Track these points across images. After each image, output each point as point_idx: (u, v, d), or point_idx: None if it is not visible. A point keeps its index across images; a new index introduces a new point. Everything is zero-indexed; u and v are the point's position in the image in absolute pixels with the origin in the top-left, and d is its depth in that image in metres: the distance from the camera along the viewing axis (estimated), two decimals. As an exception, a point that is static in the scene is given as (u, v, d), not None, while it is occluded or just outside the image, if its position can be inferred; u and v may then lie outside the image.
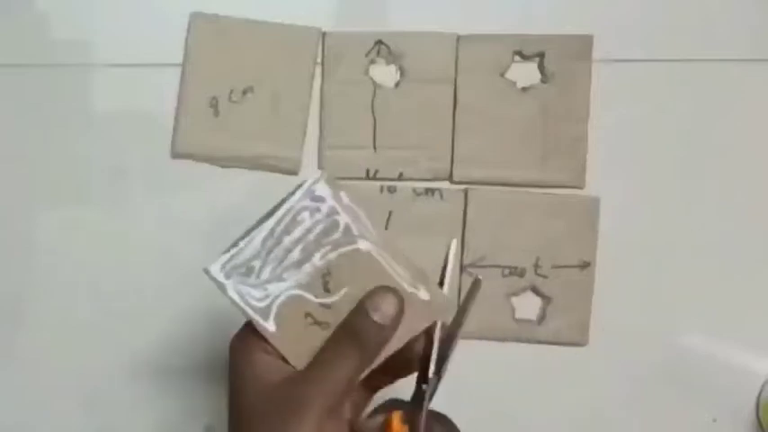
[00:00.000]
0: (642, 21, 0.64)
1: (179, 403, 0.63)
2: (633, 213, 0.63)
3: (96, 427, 0.63)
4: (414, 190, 0.64)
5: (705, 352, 0.62)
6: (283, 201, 0.49)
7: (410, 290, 0.48)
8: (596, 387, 0.63)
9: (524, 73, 0.64)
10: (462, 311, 0.49)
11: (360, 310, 0.46)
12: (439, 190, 0.64)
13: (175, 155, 0.64)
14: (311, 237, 0.49)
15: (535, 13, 0.64)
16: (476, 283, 0.49)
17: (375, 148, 0.64)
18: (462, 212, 0.64)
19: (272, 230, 0.49)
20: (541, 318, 0.64)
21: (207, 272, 0.48)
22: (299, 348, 0.47)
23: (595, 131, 0.63)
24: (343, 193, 0.49)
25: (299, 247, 0.48)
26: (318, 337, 0.47)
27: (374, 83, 0.64)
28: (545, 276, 0.63)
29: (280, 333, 0.47)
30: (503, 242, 0.63)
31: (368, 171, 0.64)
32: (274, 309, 0.48)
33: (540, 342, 0.64)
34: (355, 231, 0.49)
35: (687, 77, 0.64)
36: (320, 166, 0.64)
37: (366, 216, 0.49)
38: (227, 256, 0.48)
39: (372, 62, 0.64)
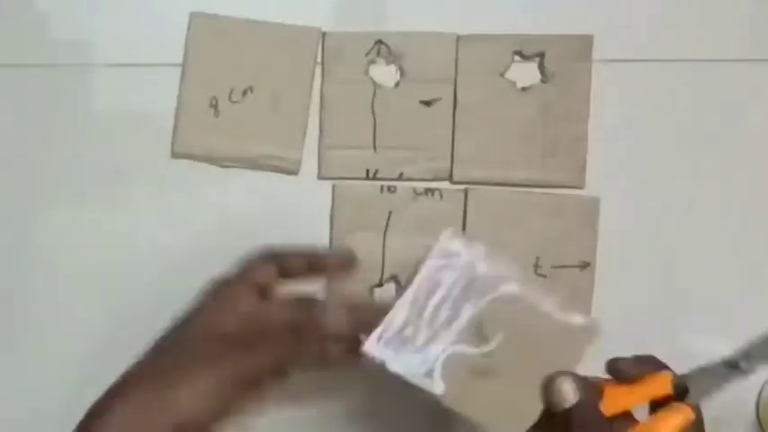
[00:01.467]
0: (642, 21, 0.64)
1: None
2: (633, 213, 0.63)
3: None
4: (414, 190, 0.63)
5: (705, 351, 0.62)
6: (419, 265, 0.50)
7: (564, 318, 0.50)
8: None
9: (524, 73, 0.64)
10: None
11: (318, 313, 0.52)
12: (439, 190, 0.63)
13: (175, 155, 0.64)
14: (455, 293, 0.50)
15: (535, 14, 0.64)
16: None
17: (375, 148, 0.64)
18: (462, 212, 0.64)
19: (416, 297, 0.50)
20: None
21: (364, 352, 0.49)
22: (469, 402, 0.49)
23: (595, 131, 0.63)
24: (477, 244, 0.51)
25: (447, 305, 0.50)
26: (486, 386, 0.49)
27: (374, 83, 0.64)
28: (544, 276, 0.63)
29: (448, 392, 0.49)
30: (503, 242, 0.63)
31: (368, 171, 0.64)
32: (437, 369, 0.49)
33: None
34: (496, 277, 0.50)
35: (686, 77, 0.64)
36: (320, 166, 0.64)
37: (502, 258, 0.50)
38: (379, 331, 0.49)
39: (372, 62, 0.64)
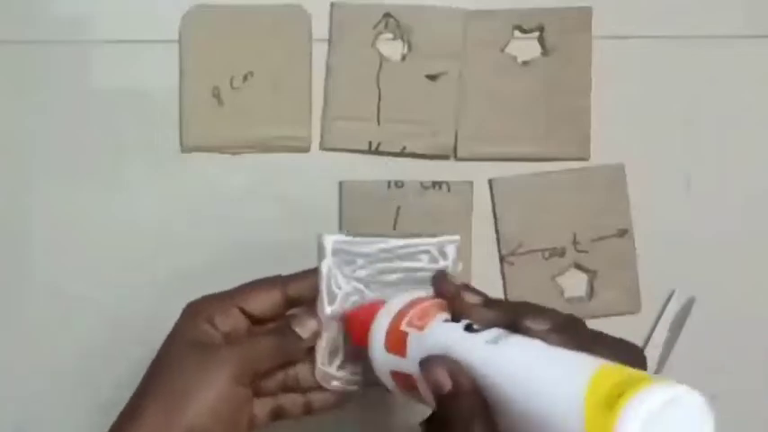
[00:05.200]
0: (641, -2, 0.65)
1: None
2: (631, 189, 0.64)
3: (95, 405, 0.62)
4: (421, 184, 0.63)
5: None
6: (418, 235, 0.51)
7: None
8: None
9: (525, 47, 0.64)
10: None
11: (291, 320, 0.50)
12: (446, 183, 0.63)
13: (185, 148, 0.63)
14: (415, 275, 0.51)
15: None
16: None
17: (379, 121, 0.63)
18: (469, 204, 0.64)
19: (393, 249, 0.51)
20: (590, 293, 0.64)
21: (320, 237, 0.50)
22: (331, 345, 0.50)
23: (598, 107, 0.64)
24: (460, 265, 0.52)
25: (399, 276, 0.51)
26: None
27: (380, 56, 0.63)
28: (586, 251, 0.63)
29: (330, 323, 0.50)
30: (536, 226, 0.63)
31: (370, 144, 0.63)
32: (339, 301, 0.50)
33: (594, 317, 0.62)
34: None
35: (683, 54, 0.65)
36: (323, 137, 0.63)
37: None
38: (345, 238, 0.50)
39: (380, 35, 0.63)
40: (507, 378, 0.41)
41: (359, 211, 0.63)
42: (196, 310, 0.51)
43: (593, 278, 0.64)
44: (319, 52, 0.63)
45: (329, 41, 0.63)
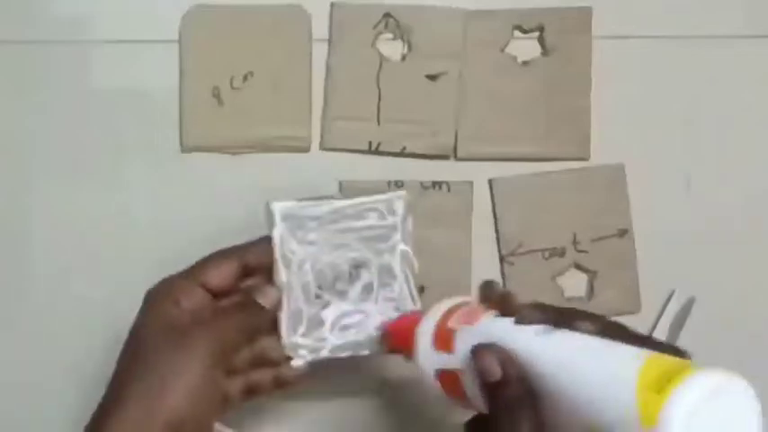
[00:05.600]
0: (641, -1, 0.65)
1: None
2: (630, 189, 0.64)
3: (96, 403, 0.62)
4: (421, 184, 0.63)
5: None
6: (363, 195, 0.54)
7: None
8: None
9: (525, 47, 0.64)
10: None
11: (252, 290, 0.53)
12: (446, 183, 0.63)
13: (185, 149, 0.63)
14: (365, 234, 0.54)
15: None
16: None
17: (379, 121, 0.63)
18: (469, 203, 0.64)
19: (340, 210, 0.53)
20: (590, 293, 0.64)
21: (268, 205, 0.53)
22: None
23: (598, 107, 0.64)
24: (410, 220, 0.55)
25: (351, 236, 0.53)
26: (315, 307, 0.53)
27: (381, 55, 0.63)
28: (586, 251, 0.63)
29: (289, 289, 0.52)
30: (536, 226, 0.63)
31: (370, 144, 0.63)
32: (294, 266, 0.52)
33: None
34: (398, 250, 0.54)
35: (683, 54, 0.65)
36: (323, 137, 0.63)
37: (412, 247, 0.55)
38: (293, 204, 0.53)
39: (380, 35, 0.63)
40: (557, 366, 0.42)
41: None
42: (161, 295, 0.52)
43: (593, 278, 0.63)
44: (319, 52, 0.63)
45: (329, 41, 0.63)
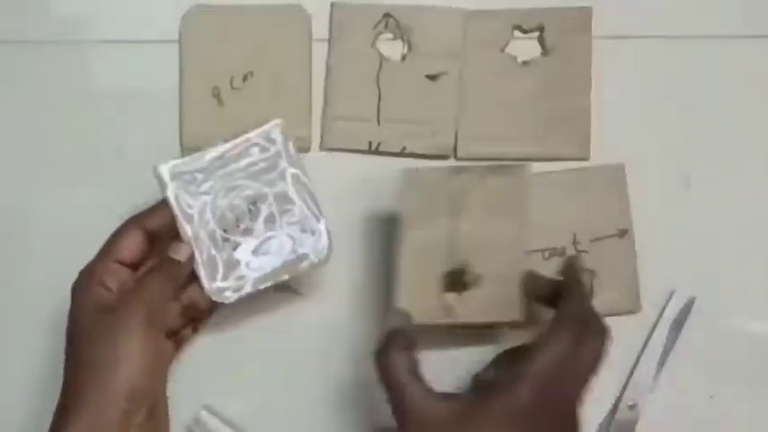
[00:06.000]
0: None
1: (177, 376, 0.63)
2: (631, 190, 0.64)
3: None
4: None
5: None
6: (239, 135, 0.56)
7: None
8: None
9: (525, 47, 0.64)
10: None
11: (165, 251, 0.55)
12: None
13: (185, 149, 0.63)
14: (253, 169, 0.56)
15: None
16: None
17: (379, 121, 0.63)
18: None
19: (223, 154, 0.56)
20: (590, 293, 0.63)
21: (155, 169, 0.55)
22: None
23: (598, 107, 0.64)
24: (291, 144, 0.57)
25: (240, 176, 0.56)
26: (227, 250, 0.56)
27: (381, 56, 0.63)
28: (586, 251, 0.63)
29: (193, 239, 0.55)
30: (536, 226, 0.63)
31: (370, 144, 0.63)
32: (196, 219, 0.55)
33: None
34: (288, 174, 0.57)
35: (683, 53, 0.65)
36: (323, 137, 0.63)
37: (304, 170, 0.57)
38: (178, 162, 0.55)
39: (380, 35, 0.63)
40: None
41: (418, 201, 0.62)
42: (85, 281, 0.54)
43: (593, 278, 0.63)
44: (319, 52, 0.64)
45: (329, 41, 0.64)
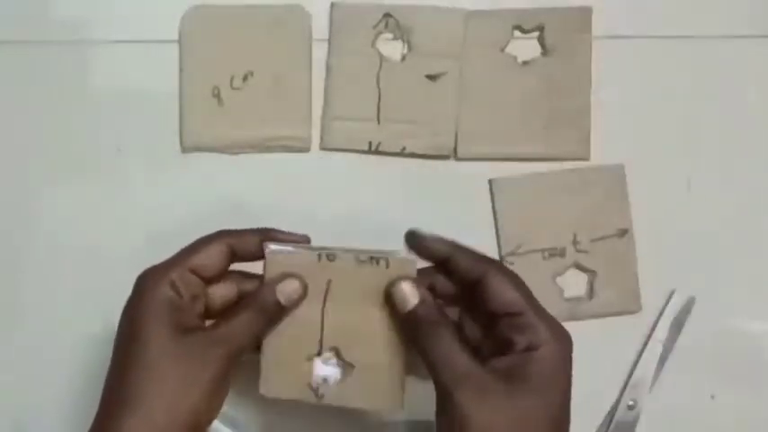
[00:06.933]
0: (642, -2, 0.65)
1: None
2: (631, 191, 0.64)
3: (97, 401, 0.62)
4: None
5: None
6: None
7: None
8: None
9: (525, 47, 0.64)
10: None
11: (269, 287, 0.52)
12: (385, 259, 0.53)
13: (185, 149, 0.63)
14: None
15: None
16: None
17: (379, 120, 0.63)
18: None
19: None
20: (590, 293, 0.64)
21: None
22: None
23: (598, 107, 0.64)
24: None
25: None
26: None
27: (380, 55, 0.63)
28: (586, 251, 0.63)
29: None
30: (536, 226, 0.63)
31: (370, 144, 0.63)
32: None
33: (594, 317, 0.63)
34: None
35: (685, 54, 0.65)
36: (323, 137, 0.64)
37: None
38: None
39: (380, 35, 0.63)
40: None
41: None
42: (156, 277, 0.50)
43: (594, 278, 0.63)
44: (319, 52, 0.64)
45: (329, 41, 0.64)
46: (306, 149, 0.63)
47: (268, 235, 0.53)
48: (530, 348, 0.48)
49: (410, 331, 0.51)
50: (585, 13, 0.64)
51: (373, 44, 0.63)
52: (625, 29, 0.65)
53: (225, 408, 0.61)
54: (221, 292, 0.54)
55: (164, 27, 0.63)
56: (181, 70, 0.63)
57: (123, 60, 0.63)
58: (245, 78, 0.63)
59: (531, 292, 0.51)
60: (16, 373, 0.62)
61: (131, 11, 0.63)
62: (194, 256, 0.51)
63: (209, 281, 0.52)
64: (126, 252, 0.63)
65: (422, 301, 0.51)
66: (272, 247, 0.52)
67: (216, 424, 0.60)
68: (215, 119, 0.63)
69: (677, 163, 0.64)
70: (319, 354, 0.53)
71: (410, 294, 0.51)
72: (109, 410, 0.49)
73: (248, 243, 0.53)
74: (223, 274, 0.53)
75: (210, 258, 0.52)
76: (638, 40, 0.65)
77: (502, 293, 0.50)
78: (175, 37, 0.63)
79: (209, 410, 0.50)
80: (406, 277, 0.51)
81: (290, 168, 0.63)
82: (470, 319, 0.53)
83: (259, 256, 0.53)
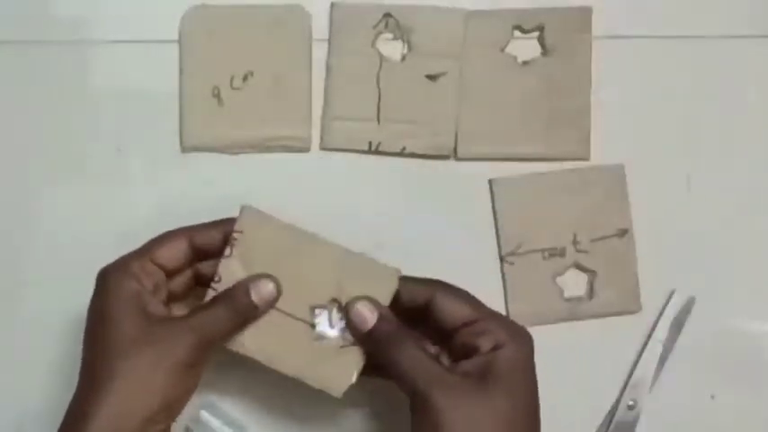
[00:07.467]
0: (642, -3, 0.65)
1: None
2: (631, 190, 0.64)
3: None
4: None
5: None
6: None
7: None
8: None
9: (525, 47, 0.64)
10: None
11: (243, 286, 0.53)
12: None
13: (185, 149, 0.63)
14: None
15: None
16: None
17: (379, 120, 0.63)
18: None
19: None
20: (590, 293, 0.64)
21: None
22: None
23: (598, 107, 0.64)
24: None
25: None
26: None
27: (380, 55, 0.63)
28: (586, 251, 0.63)
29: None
30: (536, 226, 0.63)
31: (370, 144, 0.63)
32: None
33: (594, 317, 0.63)
34: None
35: (686, 53, 0.65)
36: (323, 137, 0.63)
37: None
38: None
39: (380, 35, 0.63)
40: None
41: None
42: (119, 271, 0.52)
43: (594, 278, 0.63)
44: (319, 52, 0.64)
45: (329, 41, 0.63)
46: (306, 149, 0.63)
47: (230, 227, 0.54)
48: (496, 347, 0.50)
49: (374, 347, 0.52)
50: (585, 13, 0.64)
51: (373, 44, 0.63)
52: (625, 29, 0.65)
53: (225, 408, 0.62)
54: (181, 279, 0.55)
55: (164, 27, 0.63)
56: (181, 70, 0.63)
57: (123, 60, 0.63)
58: (245, 78, 0.63)
59: (480, 302, 0.53)
60: (16, 374, 0.62)
61: (131, 11, 0.63)
62: (154, 248, 0.53)
63: (170, 273, 0.54)
64: (125, 251, 0.62)
65: (380, 318, 0.52)
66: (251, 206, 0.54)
67: (216, 424, 0.60)
68: (215, 119, 0.63)
69: (677, 163, 0.64)
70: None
71: (368, 313, 0.52)
72: (84, 395, 0.50)
73: (210, 237, 0.54)
74: (185, 268, 0.55)
75: (170, 251, 0.53)
76: (638, 40, 0.65)
77: (453, 310, 0.52)
78: (175, 37, 0.63)
79: (180, 395, 0.52)
80: (361, 297, 0.53)
81: (290, 168, 0.63)
82: (428, 336, 0.54)
83: (221, 250, 0.54)
